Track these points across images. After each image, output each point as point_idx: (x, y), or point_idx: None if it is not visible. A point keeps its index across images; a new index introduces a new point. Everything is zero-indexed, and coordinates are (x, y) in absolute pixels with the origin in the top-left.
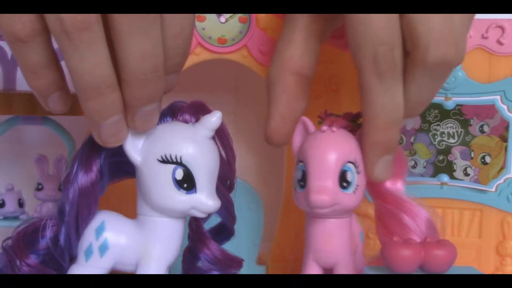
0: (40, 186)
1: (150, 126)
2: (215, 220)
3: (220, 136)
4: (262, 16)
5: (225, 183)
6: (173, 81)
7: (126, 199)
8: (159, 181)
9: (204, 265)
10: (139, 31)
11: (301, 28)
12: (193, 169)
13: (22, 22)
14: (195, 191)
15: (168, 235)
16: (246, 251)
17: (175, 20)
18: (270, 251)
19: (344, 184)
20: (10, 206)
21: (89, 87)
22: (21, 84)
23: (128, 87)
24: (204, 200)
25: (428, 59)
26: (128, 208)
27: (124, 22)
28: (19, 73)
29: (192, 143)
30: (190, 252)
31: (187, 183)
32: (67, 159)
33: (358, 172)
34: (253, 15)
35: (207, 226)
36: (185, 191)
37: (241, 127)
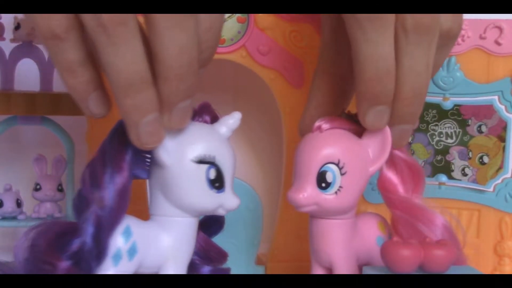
0: (38, 186)
1: (185, 124)
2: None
3: None
4: (260, 16)
5: None
6: (201, 75)
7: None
8: (192, 181)
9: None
10: (176, 25)
11: (333, 28)
12: (223, 169)
13: (58, 19)
14: (224, 190)
15: (190, 234)
16: (245, 251)
17: (208, 14)
18: (269, 252)
19: (323, 184)
20: (8, 206)
21: (126, 84)
22: (20, 84)
23: (165, 83)
24: (231, 198)
25: (406, 25)
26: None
27: (162, 16)
28: (17, 73)
29: (221, 143)
30: None
31: (218, 182)
32: (66, 160)
33: (343, 174)
34: (252, 15)
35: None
36: (216, 190)
37: (239, 128)
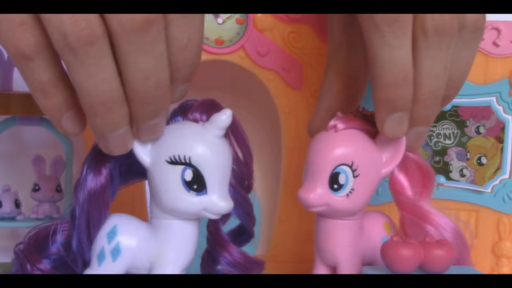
0: (37, 187)
1: (155, 137)
2: (233, 222)
3: (235, 134)
4: (259, 17)
5: (242, 184)
6: (183, 91)
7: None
8: (168, 183)
9: (225, 269)
10: (141, 49)
11: (344, 29)
12: (203, 170)
13: (26, 38)
14: (206, 192)
15: (182, 238)
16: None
17: (182, 32)
18: (267, 252)
19: (335, 186)
20: (7, 206)
21: (96, 103)
22: (18, 84)
23: (132, 104)
24: (216, 201)
25: (426, 28)
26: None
27: (126, 40)
28: (16, 73)
29: (202, 143)
30: (209, 256)
31: (197, 184)
32: (64, 160)
33: (355, 176)
34: (251, 16)
35: (226, 228)
36: (195, 193)
37: None
